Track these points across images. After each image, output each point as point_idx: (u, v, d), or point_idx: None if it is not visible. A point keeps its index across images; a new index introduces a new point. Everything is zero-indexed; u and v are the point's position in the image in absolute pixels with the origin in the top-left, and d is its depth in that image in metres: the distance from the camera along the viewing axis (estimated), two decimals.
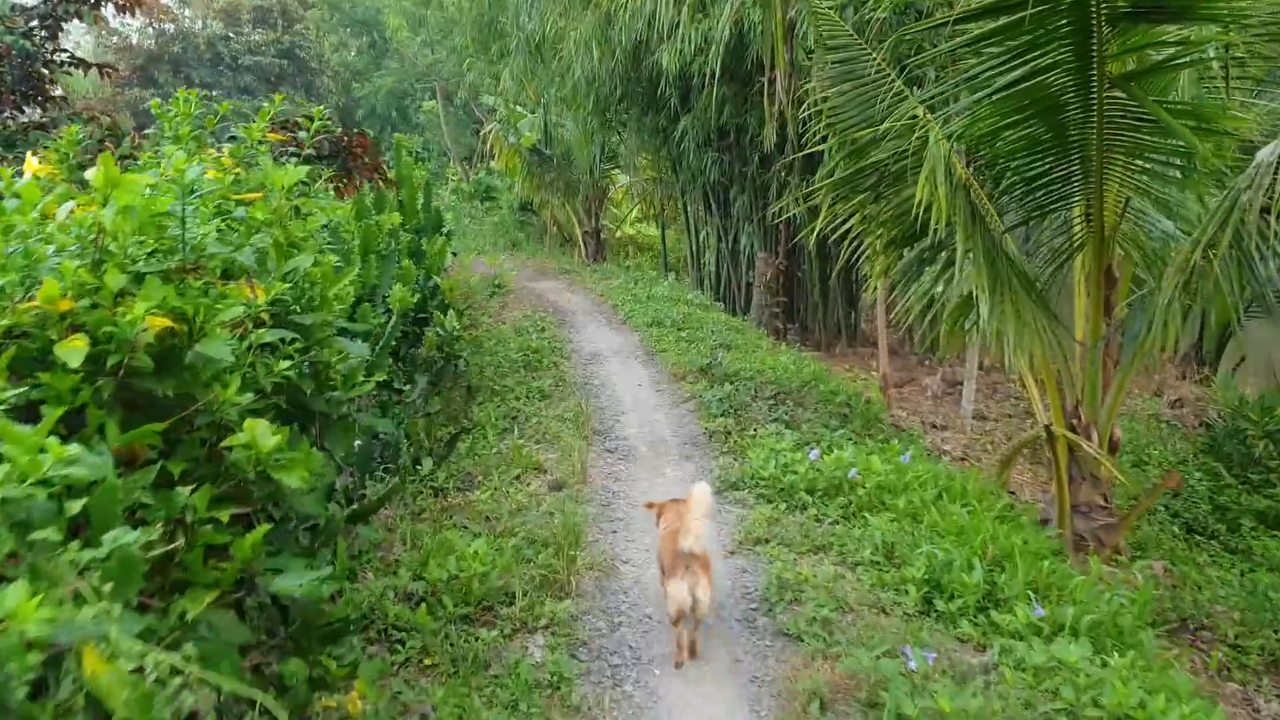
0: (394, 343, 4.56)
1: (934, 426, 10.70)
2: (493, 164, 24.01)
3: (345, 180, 6.87)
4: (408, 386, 5.22)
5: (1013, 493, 8.85)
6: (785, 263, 14.02)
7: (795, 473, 5.11)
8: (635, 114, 15.15)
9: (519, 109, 20.84)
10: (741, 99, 12.84)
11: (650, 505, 4.36)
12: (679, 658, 3.74)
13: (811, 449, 5.11)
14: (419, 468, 5.08)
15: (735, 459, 5.70)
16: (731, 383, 7.44)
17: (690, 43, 11.03)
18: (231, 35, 27.59)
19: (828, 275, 14.06)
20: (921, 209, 6.29)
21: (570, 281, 13.89)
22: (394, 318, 4.20)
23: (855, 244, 7.26)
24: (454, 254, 8.58)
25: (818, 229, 6.56)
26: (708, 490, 3.74)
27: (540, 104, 18.23)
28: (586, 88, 14.31)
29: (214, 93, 26.91)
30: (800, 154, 12.83)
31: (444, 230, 8.21)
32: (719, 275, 15.63)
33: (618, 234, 24.97)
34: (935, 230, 6.14)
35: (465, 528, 4.64)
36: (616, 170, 20.89)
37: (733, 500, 5.16)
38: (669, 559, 3.73)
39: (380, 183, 7.06)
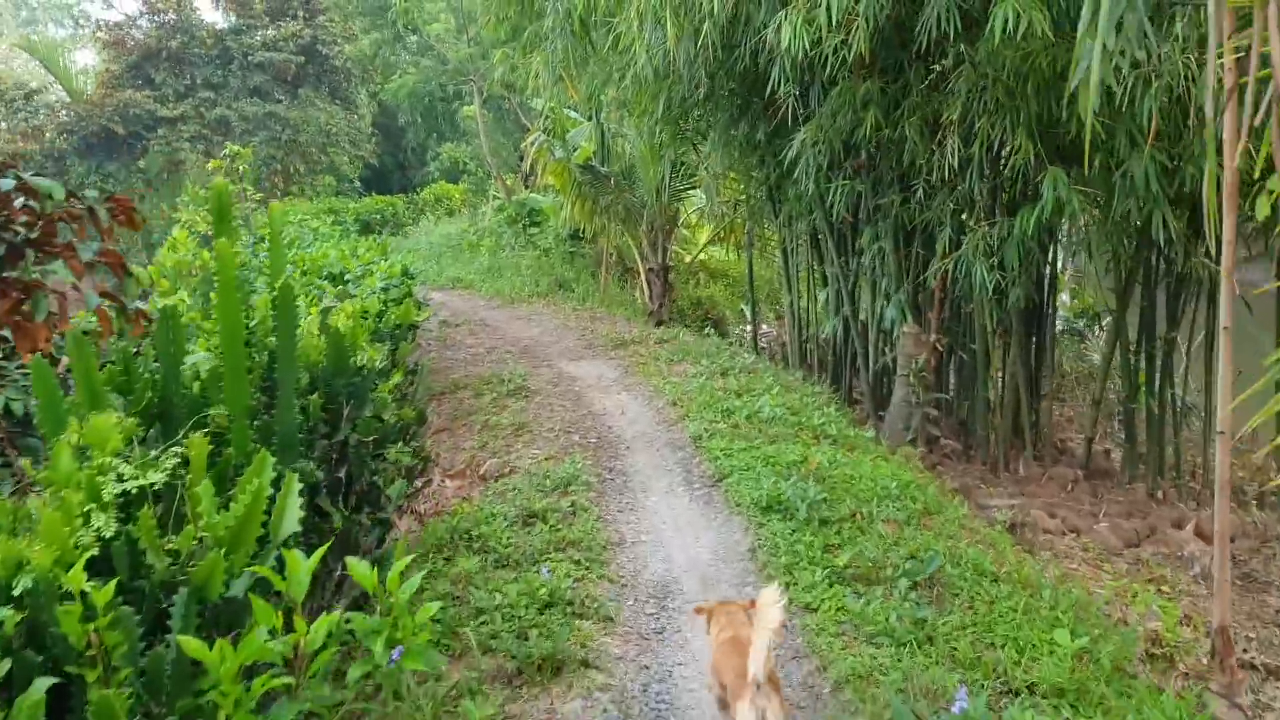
0: None
1: (1263, 672, 6.13)
2: (536, 182, 19.82)
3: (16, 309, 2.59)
4: None
5: None
6: (943, 340, 9.54)
7: None
8: (722, 121, 10.78)
9: (571, 114, 16.64)
10: (893, 101, 8.40)
11: (699, 610, 3.70)
12: None
13: None
14: None
15: None
16: None
17: (832, 9, 6.61)
18: (244, 28, 23.79)
19: (1004, 358, 9.56)
20: None
21: (627, 365, 9.55)
22: None
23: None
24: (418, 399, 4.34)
25: None
26: (776, 598, 3.04)
27: (591, 105, 13.90)
28: (654, 84, 9.97)
29: (220, 94, 23.23)
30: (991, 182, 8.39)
31: (365, 396, 3.92)
32: (834, 348, 11.19)
33: (687, 259, 20.68)
34: None
35: None
36: (691, 191, 16.54)
37: None
38: (731, 677, 3.24)
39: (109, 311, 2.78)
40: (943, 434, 9.72)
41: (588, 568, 4.71)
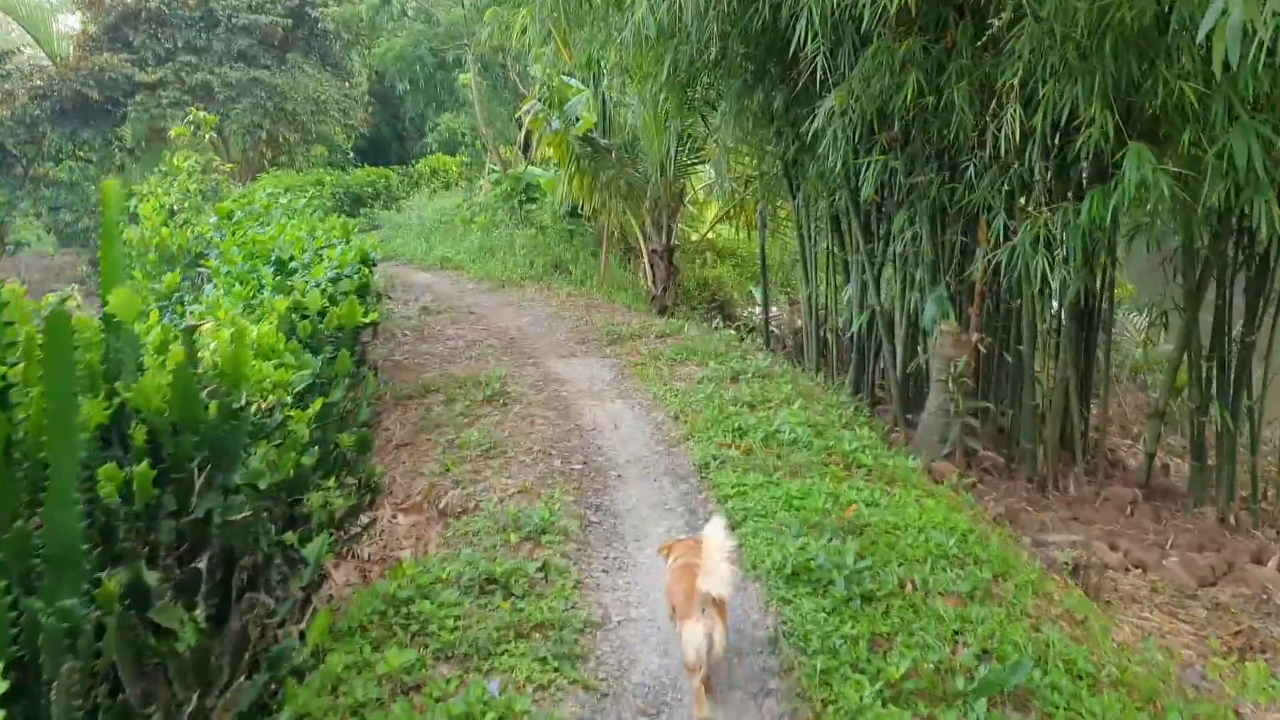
0: None
1: None
2: (534, 154, 18.56)
3: None
4: None
5: None
6: (984, 340, 8.34)
7: None
8: (735, 89, 9.54)
9: (572, 82, 15.37)
10: (936, 63, 7.15)
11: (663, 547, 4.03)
12: (700, 712, 3.29)
13: None
14: None
15: None
16: None
17: None
18: None
19: (1052, 360, 8.37)
20: None
21: (623, 365, 8.37)
22: None
23: None
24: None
25: None
26: (724, 527, 3.38)
27: (590, 71, 12.61)
28: (658, 43, 8.76)
29: (203, 59, 21.96)
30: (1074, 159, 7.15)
31: None
32: (857, 344, 9.97)
33: (694, 237, 19.45)
34: None
35: None
36: (699, 166, 15.29)
37: None
38: (681, 599, 3.41)
39: None
40: (982, 445, 8.55)
41: (556, 668, 3.55)
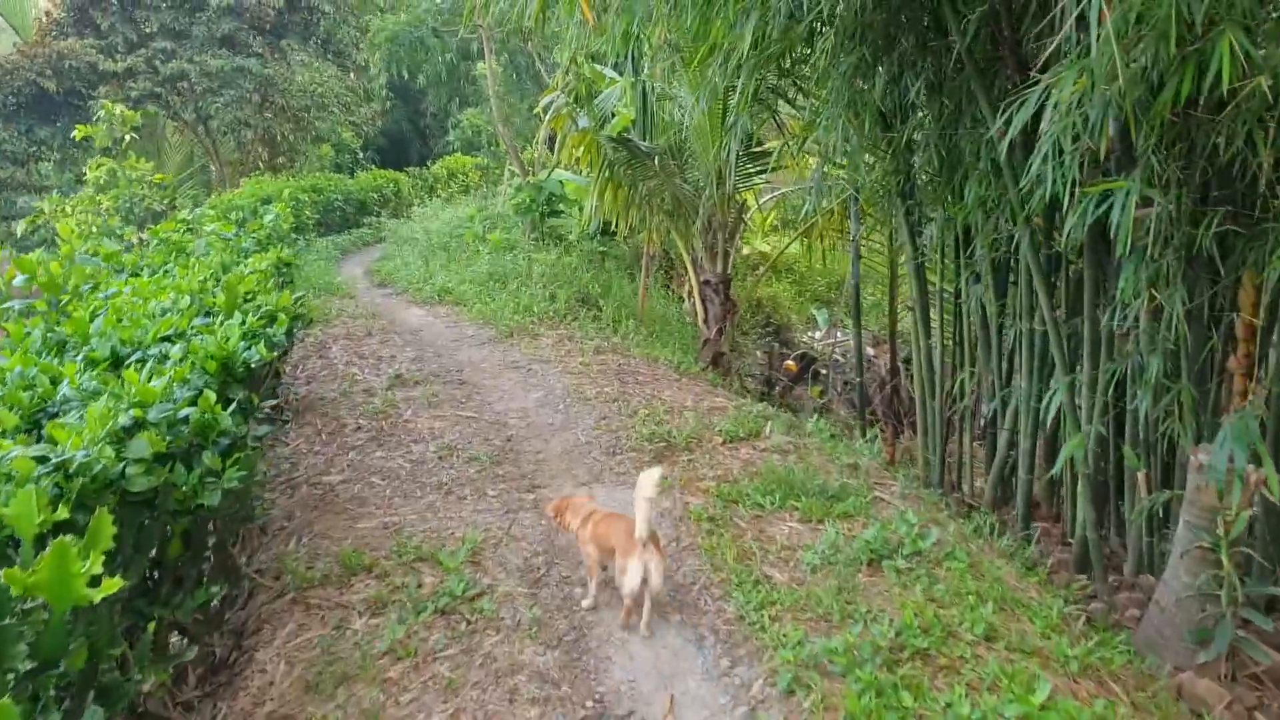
0: None
1: None
2: (559, 155, 15.45)
3: None
4: None
5: None
6: (1266, 482, 5.08)
7: None
8: (845, 70, 6.32)
9: (609, 72, 12.28)
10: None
11: (555, 507, 4.51)
12: (628, 621, 3.99)
13: None
14: None
15: None
16: None
17: None
18: None
19: None
20: None
21: (677, 506, 5.20)
22: None
23: None
24: None
25: None
26: (653, 476, 3.88)
27: (627, 49, 9.37)
28: (734, 4, 5.60)
29: (182, 45, 19.06)
30: None
31: None
32: (1005, 440, 6.71)
33: (745, 251, 16.36)
34: None
35: None
36: (762, 175, 12.09)
37: None
38: (622, 540, 3.95)
39: None
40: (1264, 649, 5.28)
41: None
